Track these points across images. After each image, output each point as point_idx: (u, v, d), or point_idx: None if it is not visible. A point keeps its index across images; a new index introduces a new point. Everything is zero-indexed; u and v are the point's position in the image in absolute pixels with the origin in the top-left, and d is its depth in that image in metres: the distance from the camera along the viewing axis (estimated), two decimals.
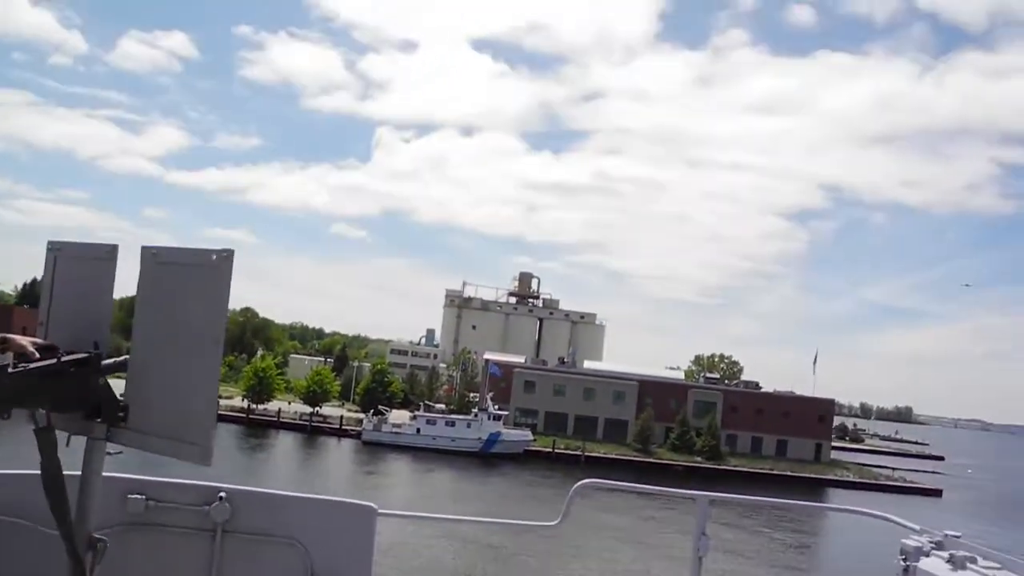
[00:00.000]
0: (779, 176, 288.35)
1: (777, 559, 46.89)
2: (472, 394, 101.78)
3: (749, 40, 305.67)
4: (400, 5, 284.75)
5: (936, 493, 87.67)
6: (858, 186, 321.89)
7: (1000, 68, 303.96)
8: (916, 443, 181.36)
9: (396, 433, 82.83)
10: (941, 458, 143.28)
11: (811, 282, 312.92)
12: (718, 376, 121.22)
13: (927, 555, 3.32)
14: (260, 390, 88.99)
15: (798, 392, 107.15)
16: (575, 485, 4.43)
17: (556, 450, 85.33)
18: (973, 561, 3.15)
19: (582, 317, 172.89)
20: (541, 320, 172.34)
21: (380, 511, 3.94)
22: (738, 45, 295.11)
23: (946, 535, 3.45)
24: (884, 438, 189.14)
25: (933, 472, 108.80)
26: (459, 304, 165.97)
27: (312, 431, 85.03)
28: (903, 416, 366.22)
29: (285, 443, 78.61)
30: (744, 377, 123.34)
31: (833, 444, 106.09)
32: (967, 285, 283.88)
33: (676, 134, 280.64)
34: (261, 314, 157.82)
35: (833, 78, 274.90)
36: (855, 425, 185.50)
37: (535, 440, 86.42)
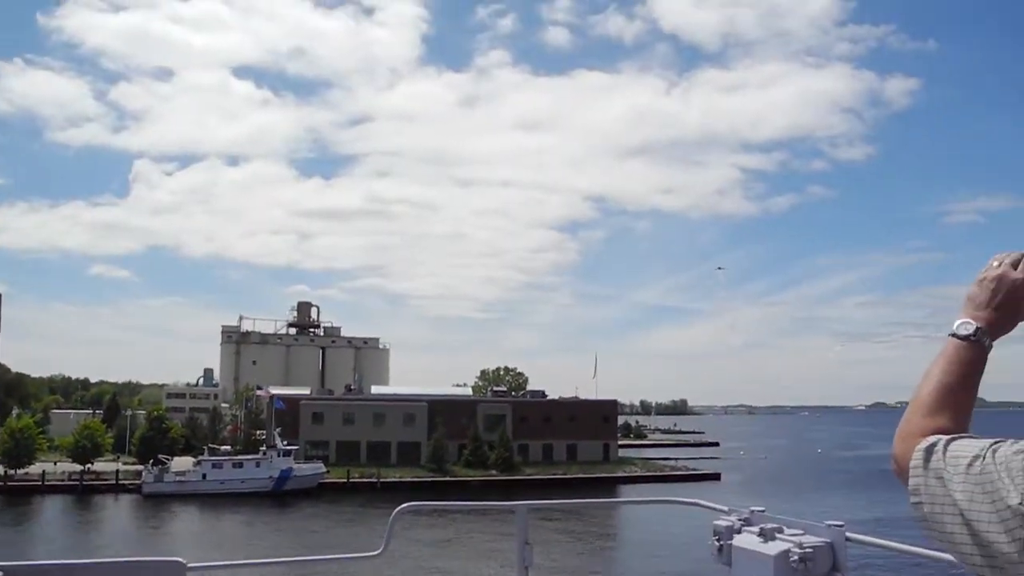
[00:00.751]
0: (547, 190, 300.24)
1: (600, 557, 49.20)
2: (259, 432, 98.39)
3: (510, 60, 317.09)
4: (152, 32, 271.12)
5: (716, 477, 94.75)
6: (621, 196, 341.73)
7: (734, 83, 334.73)
8: (693, 432, 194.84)
9: (180, 482, 78.60)
10: (716, 444, 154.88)
11: (585, 290, 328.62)
12: (505, 389, 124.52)
13: (739, 532, 3.47)
14: (18, 453, 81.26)
15: (582, 396, 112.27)
16: (395, 511, 4.21)
17: (351, 480, 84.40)
18: (780, 531, 3.33)
19: (365, 342, 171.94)
20: (324, 349, 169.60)
21: (189, 565, 3.57)
22: (500, 65, 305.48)
23: (752, 511, 3.56)
24: (665, 431, 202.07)
25: (711, 458, 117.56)
26: (237, 340, 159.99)
27: (84, 491, 78.76)
28: (679, 409, 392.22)
29: (53, 508, 72.37)
30: (530, 387, 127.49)
31: (620, 443, 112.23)
32: (720, 268, 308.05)
33: (445, 154, 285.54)
34: (14, 369, 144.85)
35: (590, 95, 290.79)
36: (637, 422, 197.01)
37: (328, 472, 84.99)
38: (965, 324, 1.73)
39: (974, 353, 1.71)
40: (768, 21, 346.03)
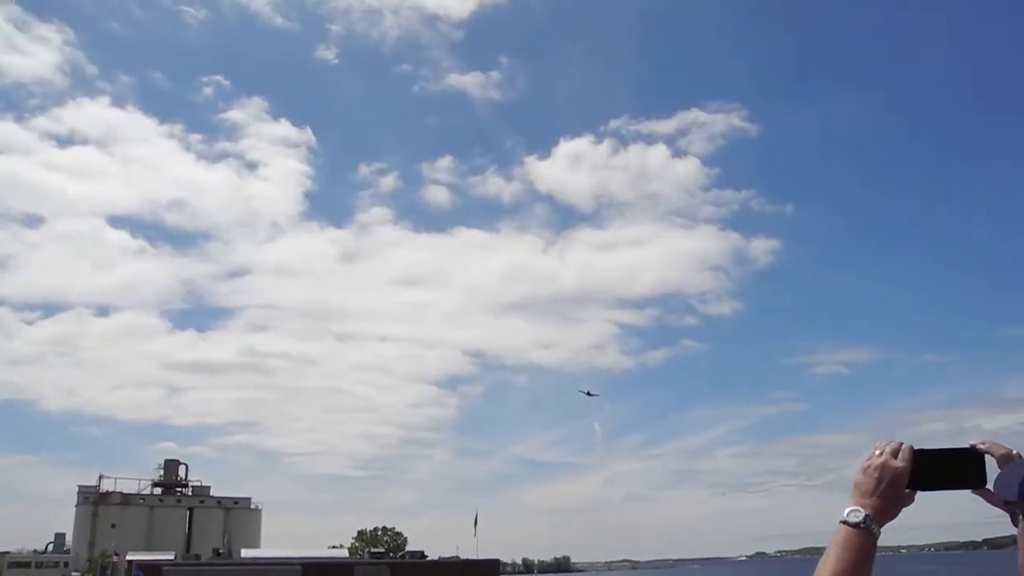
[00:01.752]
0: (426, 345, 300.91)
1: None
2: None
3: (391, 217, 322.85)
4: (24, 178, 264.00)
5: None
6: (500, 351, 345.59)
7: (608, 242, 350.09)
8: None
9: None
10: None
11: (464, 445, 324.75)
12: (383, 550, 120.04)
13: None
14: None
15: (463, 556, 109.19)
16: None
17: None
18: None
19: (236, 502, 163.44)
20: (191, 509, 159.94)
21: None
22: (381, 222, 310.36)
23: None
24: None
25: None
26: (95, 500, 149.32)
27: None
28: (562, 566, 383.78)
29: None
30: (410, 547, 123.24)
31: None
32: (590, 393, 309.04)
33: (324, 308, 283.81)
34: None
35: (470, 252, 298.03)
36: None
37: None
38: (855, 512, 1.82)
39: (865, 540, 1.78)
40: (638, 184, 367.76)
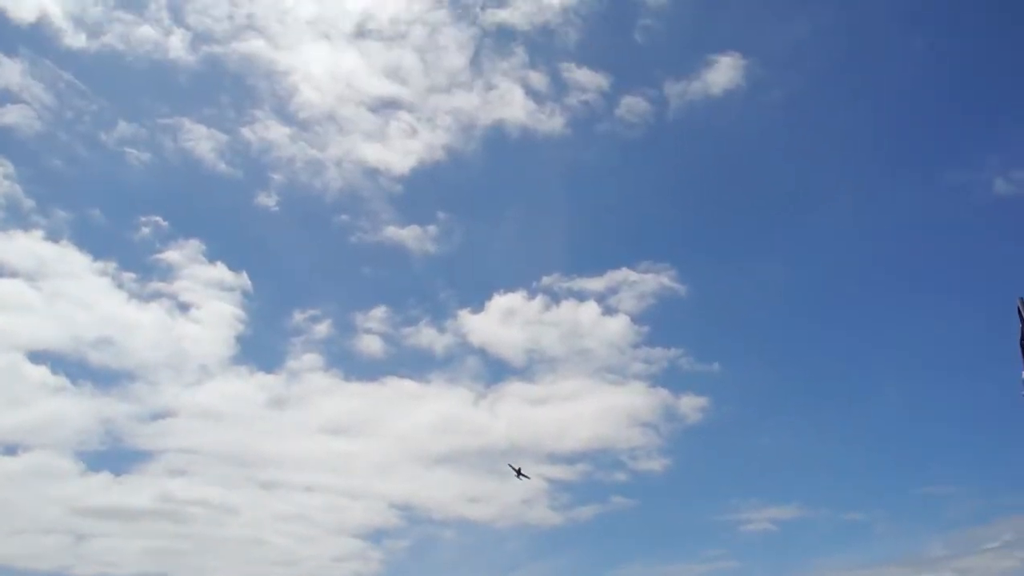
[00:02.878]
0: (352, 496, 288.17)
1: None
2: None
3: (323, 365, 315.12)
4: None
5: None
6: (427, 504, 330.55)
7: (540, 397, 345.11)
8: None
9: None
10: None
11: None
12: None
13: None
14: None
15: None
16: None
17: None
18: None
19: None
20: None
21: None
22: (312, 369, 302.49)
23: None
24: None
25: None
26: None
27: None
28: None
29: None
30: None
31: None
32: (519, 473, 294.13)
33: (249, 455, 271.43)
34: None
35: (401, 402, 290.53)
36: None
37: None
38: None
39: None
40: (570, 340, 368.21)
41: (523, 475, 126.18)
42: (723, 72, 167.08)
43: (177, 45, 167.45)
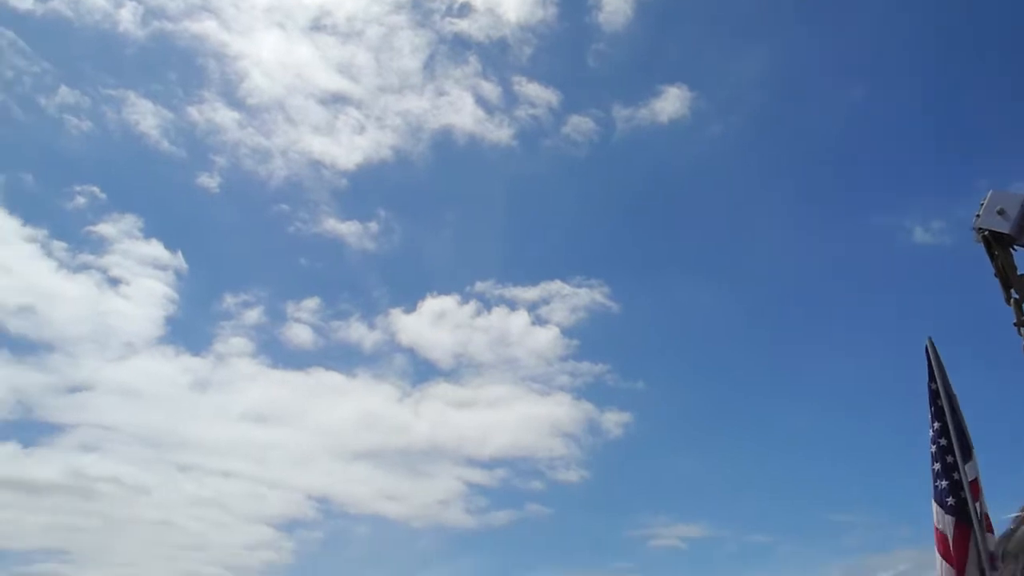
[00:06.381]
0: (270, 484, 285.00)
1: None
2: None
3: (251, 351, 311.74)
4: None
5: None
6: (344, 498, 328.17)
7: (465, 400, 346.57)
8: None
9: None
10: None
11: None
12: None
13: None
14: None
15: None
16: None
17: None
18: None
19: None
20: None
21: None
22: (240, 354, 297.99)
23: None
24: None
25: None
26: None
27: None
28: None
29: None
30: None
31: None
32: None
33: (167, 436, 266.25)
34: None
35: (325, 394, 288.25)
36: None
37: None
38: None
39: None
40: (498, 348, 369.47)
41: None
42: (670, 101, 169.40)
43: (127, 18, 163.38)
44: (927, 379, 10.69)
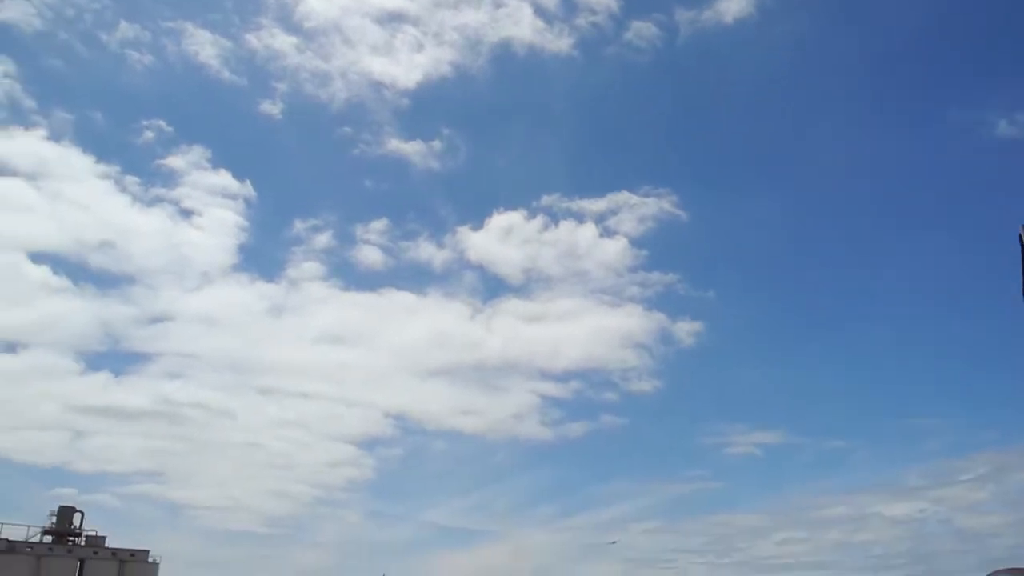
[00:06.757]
0: (348, 404, 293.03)
1: None
2: None
3: (322, 274, 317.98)
4: None
5: None
6: (420, 415, 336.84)
7: (535, 314, 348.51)
8: None
9: None
10: None
11: (377, 507, 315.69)
12: None
13: None
14: None
15: None
16: None
17: None
18: None
19: (132, 554, 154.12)
20: (82, 561, 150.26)
21: None
22: (312, 278, 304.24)
23: None
24: None
25: None
26: None
27: None
28: None
29: None
30: None
31: None
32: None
33: (247, 362, 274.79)
34: None
35: (397, 314, 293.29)
36: None
37: None
38: None
39: None
40: (567, 261, 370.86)
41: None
42: (735, 1, 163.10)
43: None
44: (1020, 268, 10.20)
